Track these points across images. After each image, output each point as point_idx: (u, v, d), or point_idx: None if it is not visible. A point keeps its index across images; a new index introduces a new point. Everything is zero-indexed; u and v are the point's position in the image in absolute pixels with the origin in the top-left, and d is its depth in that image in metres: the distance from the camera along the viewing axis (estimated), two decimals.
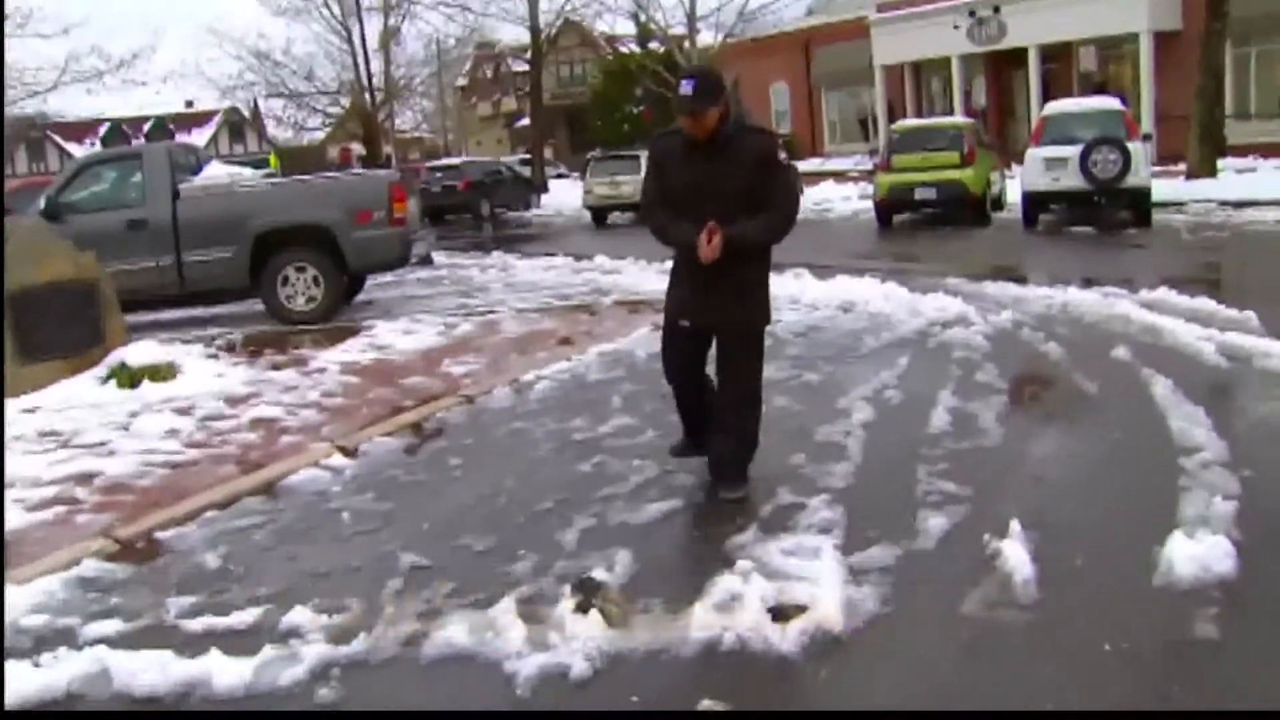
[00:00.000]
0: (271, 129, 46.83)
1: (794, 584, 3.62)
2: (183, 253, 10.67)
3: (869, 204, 19.17)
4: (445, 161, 33.55)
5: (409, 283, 13.86)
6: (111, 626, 3.79)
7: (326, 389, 7.34)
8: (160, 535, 4.71)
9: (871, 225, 18.04)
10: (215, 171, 11.44)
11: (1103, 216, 15.86)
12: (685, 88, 4.26)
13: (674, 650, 3.33)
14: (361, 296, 12.53)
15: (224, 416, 6.69)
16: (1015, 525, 3.92)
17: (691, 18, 33.74)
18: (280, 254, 10.82)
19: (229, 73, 37.08)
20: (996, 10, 29.50)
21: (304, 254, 10.86)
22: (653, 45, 39.79)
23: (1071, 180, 15.39)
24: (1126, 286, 9.26)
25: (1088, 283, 9.65)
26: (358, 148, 42.16)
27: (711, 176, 4.32)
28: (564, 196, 32.67)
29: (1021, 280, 10.43)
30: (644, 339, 8.49)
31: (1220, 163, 20.51)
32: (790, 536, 4.12)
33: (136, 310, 9.79)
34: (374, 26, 36.49)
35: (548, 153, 43.65)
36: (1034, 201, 16.04)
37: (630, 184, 23.88)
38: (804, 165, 30.75)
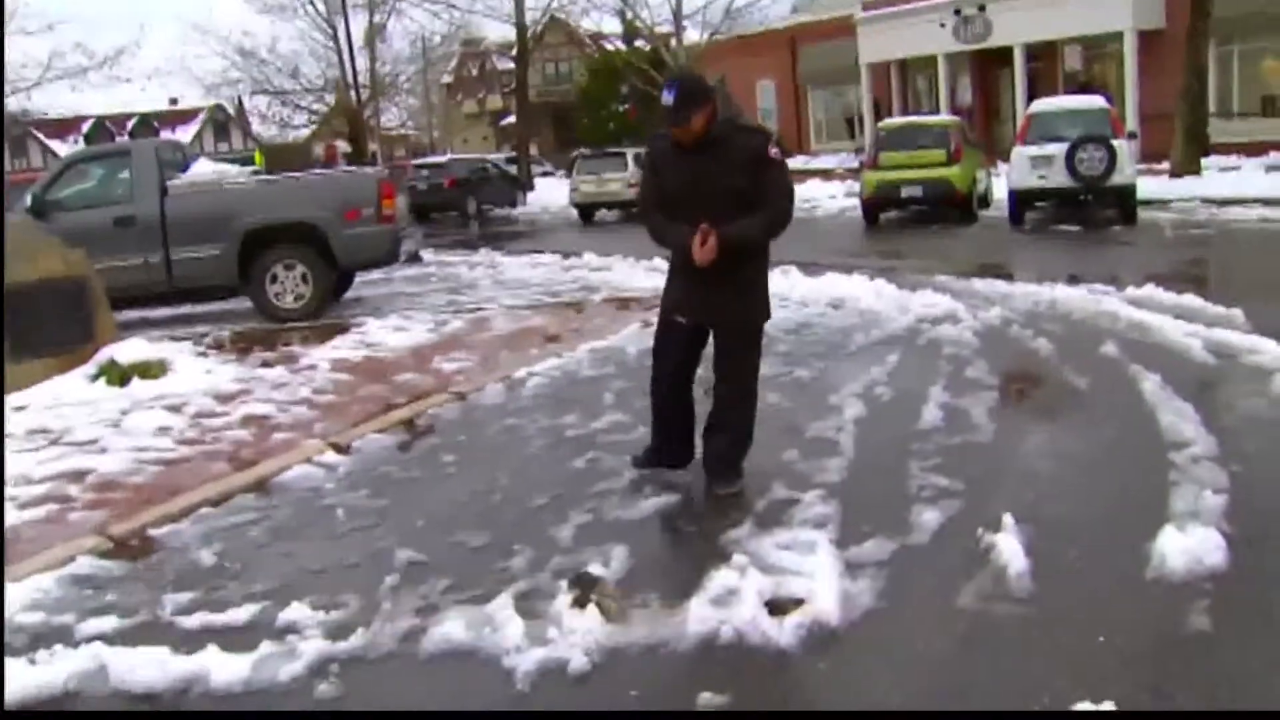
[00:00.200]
0: (256, 126, 46.65)
1: (790, 578, 3.65)
2: (171, 250, 10.64)
3: (855, 202, 19.21)
4: (431, 159, 33.49)
5: (397, 280, 13.85)
6: (108, 623, 3.79)
7: (317, 386, 7.33)
8: (154, 532, 4.71)
9: (858, 223, 18.09)
10: (203, 169, 11.42)
11: (1088, 214, 15.95)
12: (667, 97, 4.29)
13: (672, 644, 3.35)
14: (350, 294, 12.52)
15: (215, 414, 6.68)
16: (1008, 519, 3.96)
17: (678, 15, 33.75)
18: (269, 251, 10.80)
19: (214, 70, 36.88)
20: (982, 9, 29.61)
21: (293, 251, 10.84)
22: (639, 43, 39.77)
23: (1057, 178, 15.47)
24: (1113, 284, 9.32)
25: (1075, 280, 9.70)
26: (343, 145, 42.01)
27: (703, 177, 4.33)
28: (550, 194, 32.64)
29: (1009, 277, 10.49)
30: (634, 336, 8.52)
31: (1204, 161, 20.64)
32: (785, 531, 4.14)
33: (124, 308, 9.76)
34: (359, 23, 36.36)
35: (533, 150, 43.56)
36: (1020, 199, 16.11)
37: (617, 182, 23.92)
38: (790, 163, 30.72)
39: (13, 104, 28.57)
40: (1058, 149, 15.38)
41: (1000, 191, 17.93)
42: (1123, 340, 7.14)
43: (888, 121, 21.51)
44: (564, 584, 3.68)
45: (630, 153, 24.79)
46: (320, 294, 10.95)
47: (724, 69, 33.37)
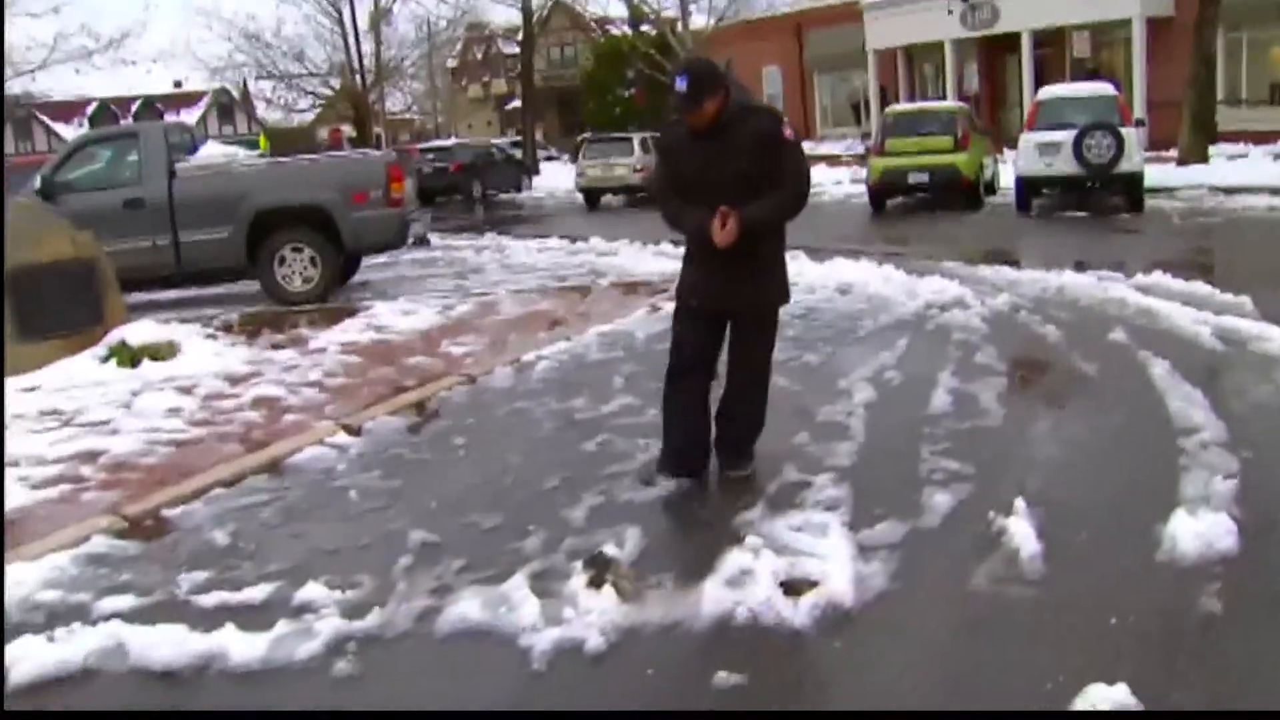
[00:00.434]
0: (261, 110, 46.63)
1: (803, 559, 3.67)
2: (179, 232, 10.65)
3: (861, 188, 19.19)
4: (436, 143, 33.45)
5: (404, 264, 13.85)
6: (124, 602, 3.82)
7: (327, 369, 7.35)
8: (168, 513, 4.73)
9: (864, 209, 18.07)
10: (211, 151, 11.42)
11: (1095, 201, 15.91)
12: (680, 84, 4.27)
13: (687, 624, 3.37)
14: (357, 277, 12.52)
15: (226, 395, 6.71)
16: (1020, 503, 3.98)
17: (684, 0, 33.65)
18: (277, 234, 10.81)
19: (219, 53, 36.85)
20: None
21: (301, 234, 10.85)
22: (644, 28, 39.66)
23: (1065, 165, 15.44)
24: (1121, 271, 9.31)
25: (1082, 267, 9.70)
26: (348, 129, 41.97)
27: (717, 161, 4.31)
28: (555, 179, 32.62)
29: (1017, 264, 10.48)
30: (642, 320, 8.53)
31: (1212, 149, 20.58)
32: (798, 514, 4.16)
33: (132, 291, 9.77)
34: (364, 7, 36.30)
35: (538, 135, 43.48)
36: (1027, 186, 16.08)
37: (623, 167, 23.88)
38: None
39: (16, 86, 28.56)
40: (1065, 136, 15.34)
41: (1007, 178, 17.90)
42: (1131, 327, 7.15)
43: (895, 108, 21.46)
44: (578, 565, 3.70)
45: (636, 137, 24.73)
46: (328, 277, 10.96)
47: (730, 54, 33.26)
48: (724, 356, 4.76)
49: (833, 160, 28.01)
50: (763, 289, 4.53)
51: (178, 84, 58.40)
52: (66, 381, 7.11)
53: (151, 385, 6.93)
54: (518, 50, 41.99)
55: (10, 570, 4.01)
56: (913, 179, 17.36)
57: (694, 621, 3.38)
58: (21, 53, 25.96)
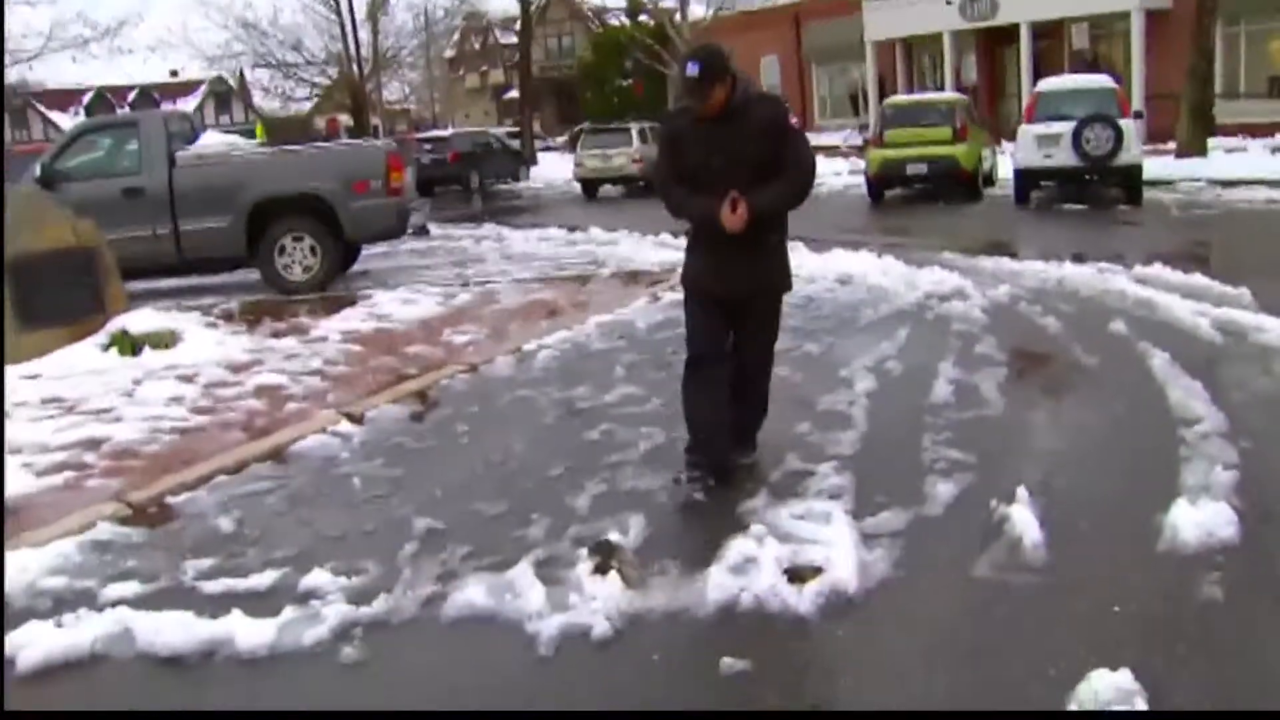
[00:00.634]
0: (258, 99, 46.47)
1: (807, 547, 3.69)
2: (179, 221, 10.65)
3: (859, 179, 19.19)
4: (434, 133, 33.41)
5: (403, 253, 13.86)
6: (130, 588, 3.83)
7: (328, 357, 7.36)
8: (172, 500, 4.75)
9: (863, 200, 18.07)
10: (212, 140, 11.41)
11: (1094, 193, 15.93)
12: (692, 69, 4.26)
13: (693, 611, 3.39)
14: (356, 266, 12.52)
15: (228, 384, 6.71)
16: (1022, 492, 4.00)
17: None
18: (277, 223, 10.81)
19: (216, 42, 36.73)
20: None
21: (301, 223, 10.86)
22: (643, 18, 39.61)
23: (1064, 157, 15.44)
24: (1120, 262, 9.33)
25: (1081, 258, 9.71)
26: (345, 119, 41.87)
27: (725, 148, 4.31)
28: (552, 169, 32.60)
29: (1016, 255, 10.50)
30: (643, 310, 8.55)
31: (1210, 141, 20.60)
32: (800, 502, 4.18)
33: (131, 279, 9.76)
34: None
35: (535, 126, 43.43)
36: (1026, 178, 16.09)
37: (622, 157, 23.87)
38: None
39: (13, 75, 28.48)
40: (1065, 128, 15.34)
41: (1005, 170, 17.91)
42: (1131, 318, 7.17)
43: (894, 99, 21.46)
44: (584, 551, 3.72)
45: (635, 128, 24.71)
46: (328, 266, 10.97)
47: (729, 44, 33.13)
48: None
49: (831, 151, 27.99)
50: (769, 275, 4.54)
51: (174, 73, 58.25)
52: (67, 369, 7.12)
53: (153, 373, 6.93)
54: (515, 40, 41.87)
55: (16, 556, 4.02)
56: (911, 170, 17.36)
57: (699, 608, 3.40)
58: (18, 41, 25.89)
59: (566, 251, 13.39)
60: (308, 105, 44.24)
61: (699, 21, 34.24)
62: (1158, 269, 8.70)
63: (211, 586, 3.83)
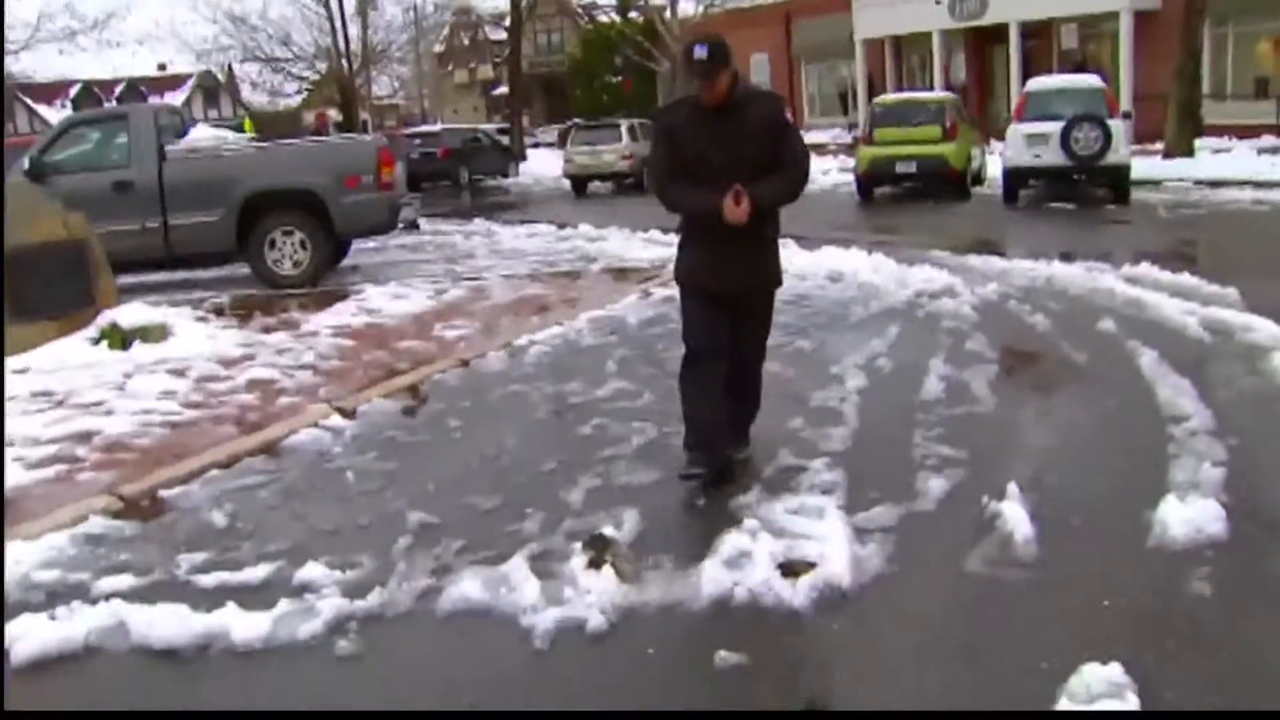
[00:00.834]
0: (246, 94, 46.31)
1: (801, 542, 3.71)
2: (169, 215, 10.62)
3: (849, 177, 19.24)
4: (424, 129, 33.34)
5: (392, 248, 13.84)
6: (124, 581, 3.83)
7: (320, 352, 7.36)
8: (165, 493, 4.74)
9: (852, 198, 18.12)
10: (202, 134, 11.38)
11: (1082, 193, 16.00)
12: (700, 52, 4.25)
13: (687, 604, 3.41)
14: (347, 261, 12.51)
15: (219, 378, 6.70)
16: (1013, 488, 4.03)
17: None
18: (267, 217, 10.79)
19: (204, 36, 36.65)
20: None
21: (291, 218, 10.83)
22: (633, 15, 39.59)
23: (1052, 156, 15.51)
24: (1109, 261, 9.39)
25: (1070, 257, 9.76)
26: (334, 114, 41.76)
27: (727, 141, 4.31)
28: (542, 165, 32.56)
29: (1005, 254, 10.55)
30: (634, 305, 8.57)
31: (1197, 142, 20.70)
32: (794, 497, 4.20)
33: (121, 273, 9.72)
34: None
35: (525, 121, 43.36)
36: (1015, 177, 16.16)
37: (611, 153, 23.86)
38: None
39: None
40: (1053, 127, 15.41)
41: (994, 169, 17.96)
42: (1120, 316, 7.21)
43: (883, 97, 21.51)
44: (578, 545, 3.73)
45: (624, 124, 24.70)
46: (318, 261, 10.95)
47: None
48: None
49: (820, 149, 28.04)
50: (765, 270, 4.55)
51: (162, 66, 57.99)
52: (57, 363, 7.10)
53: (144, 367, 6.92)
54: (505, 36, 41.81)
55: (8, 549, 4.01)
56: (901, 169, 17.41)
57: (694, 602, 3.42)
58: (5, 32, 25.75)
59: (557, 247, 13.40)
60: (296, 100, 44.12)
61: (689, 18, 34.21)
62: (1146, 268, 8.75)
63: (205, 580, 3.83)
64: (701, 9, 34.55)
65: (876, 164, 17.63)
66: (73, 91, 55.43)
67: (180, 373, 6.78)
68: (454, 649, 3.31)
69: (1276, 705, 2.80)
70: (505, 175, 31.14)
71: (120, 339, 7.36)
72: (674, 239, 4.75)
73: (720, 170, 4.26)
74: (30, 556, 4.03)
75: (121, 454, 5.33)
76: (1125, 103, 21.61)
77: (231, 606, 3.51)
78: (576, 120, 28.83)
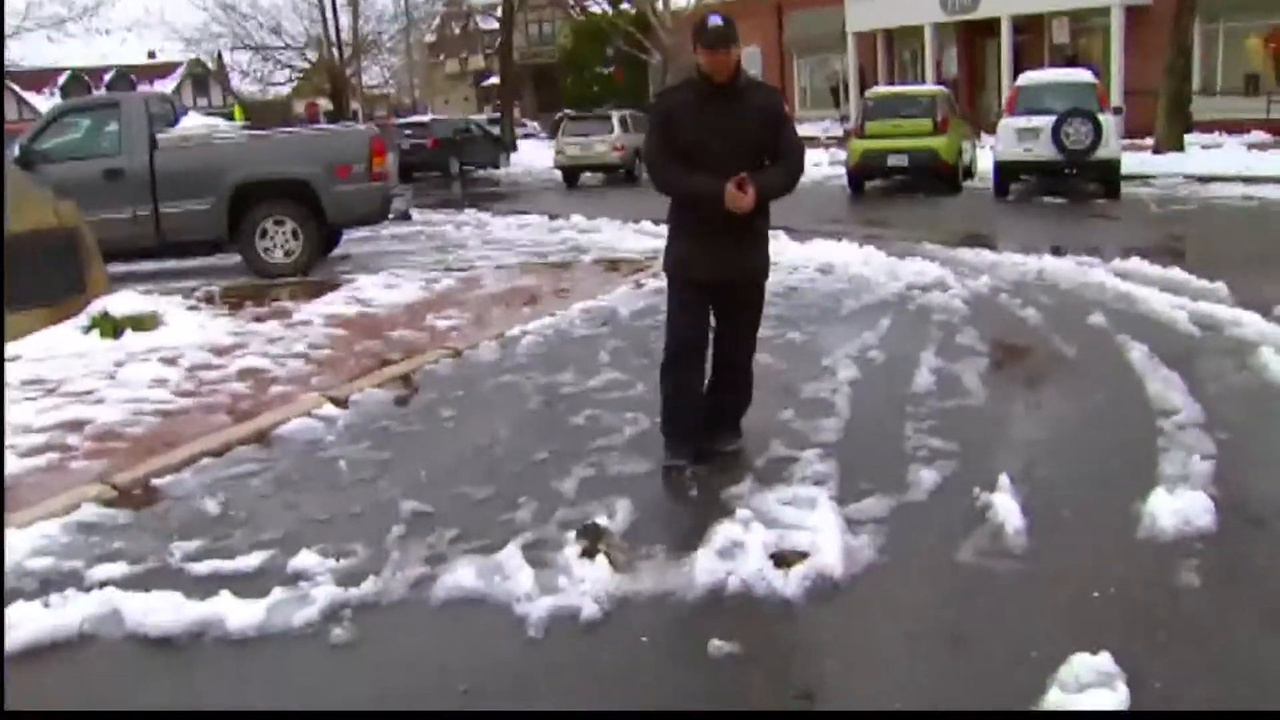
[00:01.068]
0: (236, 82, 46.06)
1: (793, 532, 3.73)
2: (160, 204, 10.59)
3: (840, 170, 19.25)
4: (415, 119, 33.26)
5: (384, 238, 13.82)
6: (117, 570, 3.83)
7: (312, 341, 7.35)
8: (157, 482, 4.74)
9: (843, 191, 18.13)
10: (193, 122, 11.35)
11: (1072, 187, 16.05)
12: (715, 19, 4.22)
13: (680, 593, 3.43)
14: (338, 251, 12.49)
15: (211, 366, 6.70)
16: (1004, 479, 4.06)
17: None
18: (259, 206, 10.77)
19: (194, 23, 36.50)
20: None
21: (283, 207, 10.82)
22: (624, 6, 39.48)
23: (1043, 151, 15.54)
24: (1099, 256, 9.43)
25: (1060, 251, 9.81)
26: (324, 103, 41.61)
27: (727, 128, 4.29)
28: (532, 156, 32.53)
29: (996, 247, 10.57)
30: (625, 296, 8.58)
31: (1187, 137, 20.77)
32: (786, 488, 4.23)
33: (111, 261, 9.69)
34: None
35: (515, 112, 43.26)
36: (1006, 171, 16.19)
37: (603, 144, 23.83)
38: None
39: None
40: (1044, 122, 15.44)
41: (985, 163, 18.00)
42: (1110, 311, 7.25)
43: (875, 90, 21.50)
44: (571, 535, 3.75)
45: (616, 115, 24.66)
46: (310, 250, 10.94)
47: None
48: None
49: (811, 142, 28.03)
50: (760, 260, 4.56)
51: (152, 54, 57.67)
52: (48, 351, 7.08)
53: (135, 356, 6.90)
54: (496, 26, 41.67)
55: None
56: (892, 162, 17.43)
57: (687, 591, 3.44)
58: None
59: (548, 238, 13.39)
60: (286, 89, 43.95)
61: (680, 10, 34.15)
62: (1136, 263, 8.80)
63: (199, 568, 3.84)
64: (693, 1, 34.50)
65: (868, 157, 17.64)
66: (61, 79, 55.15)
67: (172, 361, 6.77)
68: (448, 637, 3.33)
69: (1262, 693, 2.83)
70: (496, 166, 31.11)
71: (111, 327, 7.35)
72: (665, 230, 4.73)
73: (719, 156, 4.25)
74: (22, 545, 4.02)
75: (113, 442, 5.32)
76: (1116, 98, 21.68)
77: (225, 594, 3.51)
78: (567, 111, 28.74)
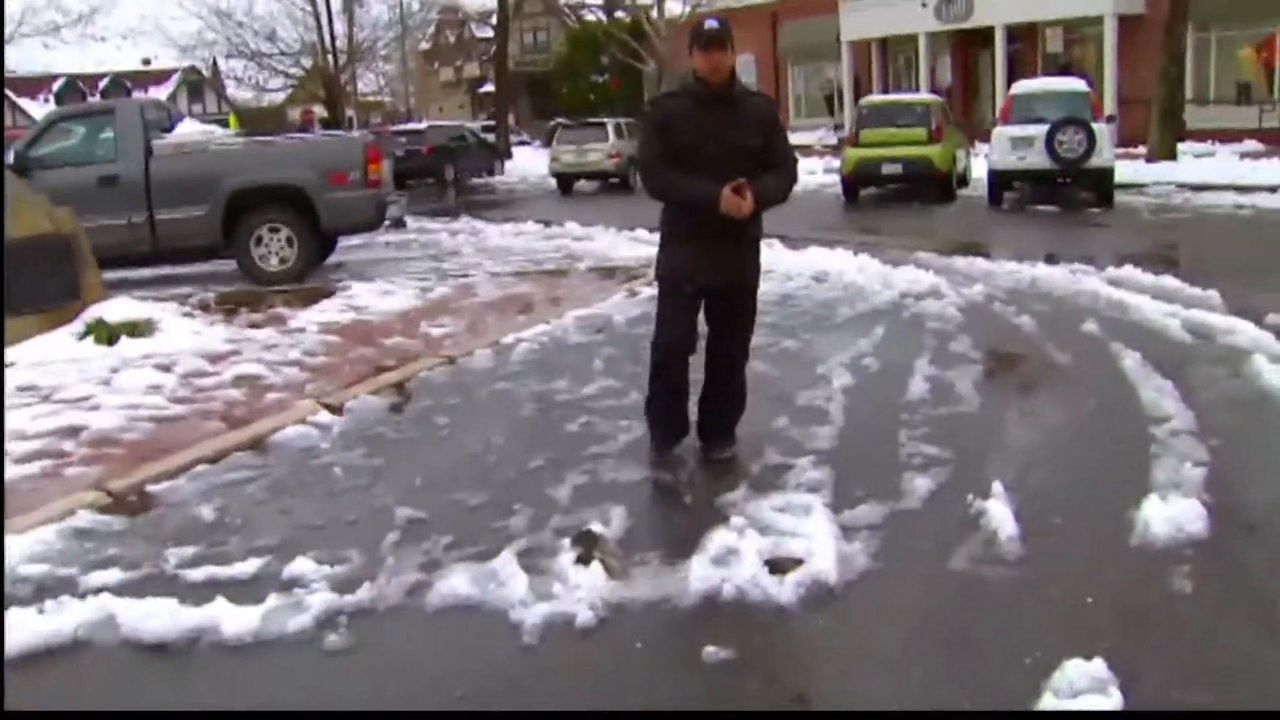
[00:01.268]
0: (231, 90, 46.08)
1: (787, 539, 3.74)
2: (155, 210, 10.59)
3: (834, 178, 19.32)
4: (410, 126, 33.28)
5: (378, 246, 13.83)
6: (112, 576, 3.83)
7: (307, 348, 7.35)
8: (152, 488, 4.74)
9: (838, 199, 18.18)
10: (189, 129, 11.35)
11: (1066, 196, 16.11)
12: (712, 22, 4.26)
13: (675, 600, 3.44)
14: (333, 258, 12.50)
15: (206, 373, 6.69)
16: (998, 486, 4.07)
17: None
18: (254, 213, 10.78)
19: (189, 31, 36.48)
20: None
21: (278, 214, 10.83)
22: (619, 14, 39.60)
23: (1037, 159, 15.61)
24: (1092, 264, 9.47)
25: (1054, 260, 9.84)
26: (319, 110, 41.64)
27: (724, 134, 4.31)
28: (527, 164, 32.56)
29: (989, 256, 10.61)
30: (620, 304, 8.59)
31: (1180, 146, 20.86)
32: (780, 495, 4.24)
33: (106, 268, 9.69)
34: None
35: (510, 120, 43.30)
36: (1000, 179, 16.25)
37: (597, 152, 23.88)
38: None
39: None
40: (1038, 130, 15.51)
41: (979, 171, 18.06)
42: (1103, 318, 7.28)
43: (869, 99, 21.59)
44: (566, 542, 3.76)
45: (610, 123, 24.71)
46: (305, 257, 10.95)
47: None
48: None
49: (805, 150, 28.10)
50: (754, 266, 4.59)
51: (147, 61, 57.61)
52: (43, 357, 7.08)
53: (130, 362, 6.90)
54: (491, 34, 41.72)
55: None
56: (886, 170, 17.50)
57: (682, 597, 3.44)
58: None
59: (542, 246, 13.41)
60: (281, 96, 43.96)
61: (676, 18, 34.26)
62: (1129, 271, 8.83)
63: (194, 574, 3.83)
64: (689, 9, 34.60)
65: (862, 165, 17.70)
66: (56, 85, 55.06)
67: (167, 368, 6.76)
68: (443, 643, 3.33)
69: (1254, 698, 2.84)
70: (491, 173, 31.14)
71: (106, 334, 7.34)
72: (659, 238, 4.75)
73: (714, 161, 4.27)
74: (17, 550, 4.02)
75: (108, 449, 5.32)
76: (1110, 106, 21.78)
77: (220, 601, 3.51)
78: (561, 120, 28.80)
